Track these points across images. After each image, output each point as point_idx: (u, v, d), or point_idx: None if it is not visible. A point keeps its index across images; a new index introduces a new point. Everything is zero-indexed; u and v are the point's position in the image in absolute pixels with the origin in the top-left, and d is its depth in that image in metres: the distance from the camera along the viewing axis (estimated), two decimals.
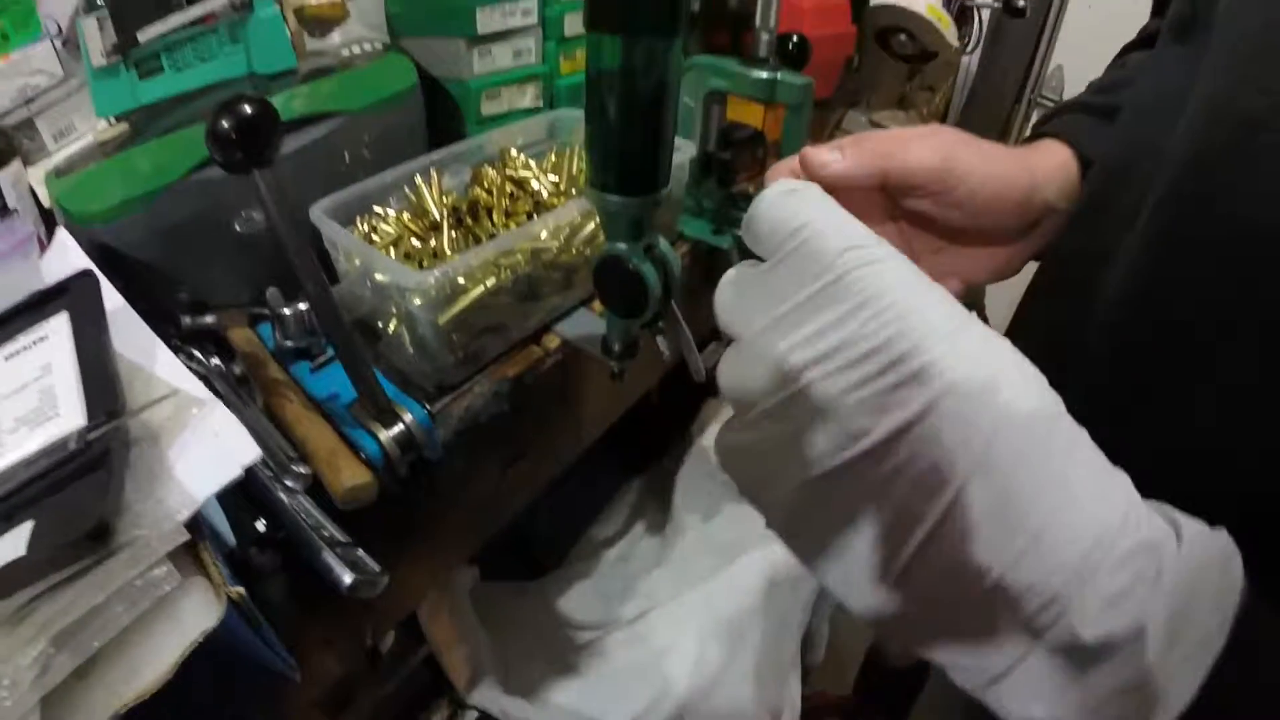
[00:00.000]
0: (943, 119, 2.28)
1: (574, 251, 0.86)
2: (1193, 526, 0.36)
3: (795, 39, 0.98)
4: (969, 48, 2.09)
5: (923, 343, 0.34)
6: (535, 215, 0.93)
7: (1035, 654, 0.34)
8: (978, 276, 0.62)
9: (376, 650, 0.92)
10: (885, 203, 0.61)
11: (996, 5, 1.96)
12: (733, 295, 0.43)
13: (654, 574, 1.35)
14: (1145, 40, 0.76)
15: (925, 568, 0.35)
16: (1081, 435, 0.36)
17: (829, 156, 0.58)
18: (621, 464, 1.61)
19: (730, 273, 0.44)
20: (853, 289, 0.36)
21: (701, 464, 1.51)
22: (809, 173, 0.58)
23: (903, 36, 1.77)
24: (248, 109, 0.59)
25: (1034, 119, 2.43)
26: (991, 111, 2.55)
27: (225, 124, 0.59)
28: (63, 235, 0.79)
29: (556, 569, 1.43)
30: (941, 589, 0.35)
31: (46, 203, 0.96)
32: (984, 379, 0.34)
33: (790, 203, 0.41)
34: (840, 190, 0.46)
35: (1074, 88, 2.54)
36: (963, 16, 1.99)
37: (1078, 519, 0.34)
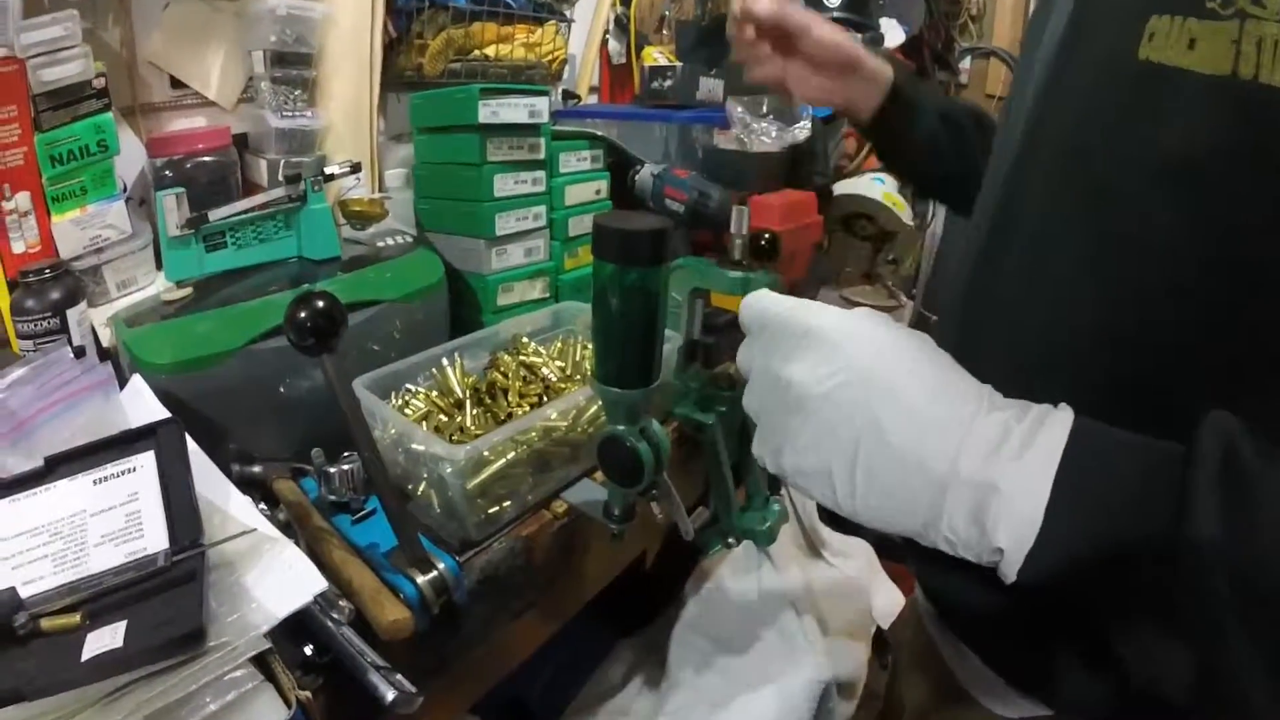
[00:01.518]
0: (913, 285, 2.44)
1: (580, 430, 0.99)
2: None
3: (767, 236, 1.12)
4: (927, 223, 2.25)
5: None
6: (545, 397, 1.05)
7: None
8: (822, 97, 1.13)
9: None
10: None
11: None
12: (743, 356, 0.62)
13: None
14: None
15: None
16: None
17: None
18: (618, 625, 1.67)
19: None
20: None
21: (693, 622, 1.55)
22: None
23: (864, 220, 1.93)
24: (321, 304, 0.71)
25: None
26: (956, 272, 2.68)
27: (303, 314, 0.71)
28: (138, 381, 0.91)
29: None
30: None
31: (105, 343, 1.07)
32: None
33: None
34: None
35: None
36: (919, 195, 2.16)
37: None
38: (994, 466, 0.48)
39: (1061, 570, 0.47)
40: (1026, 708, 0.71)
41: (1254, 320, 0.52)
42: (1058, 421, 0.49)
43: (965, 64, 2.93)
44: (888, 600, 1.85)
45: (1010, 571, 0.48)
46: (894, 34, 2.42)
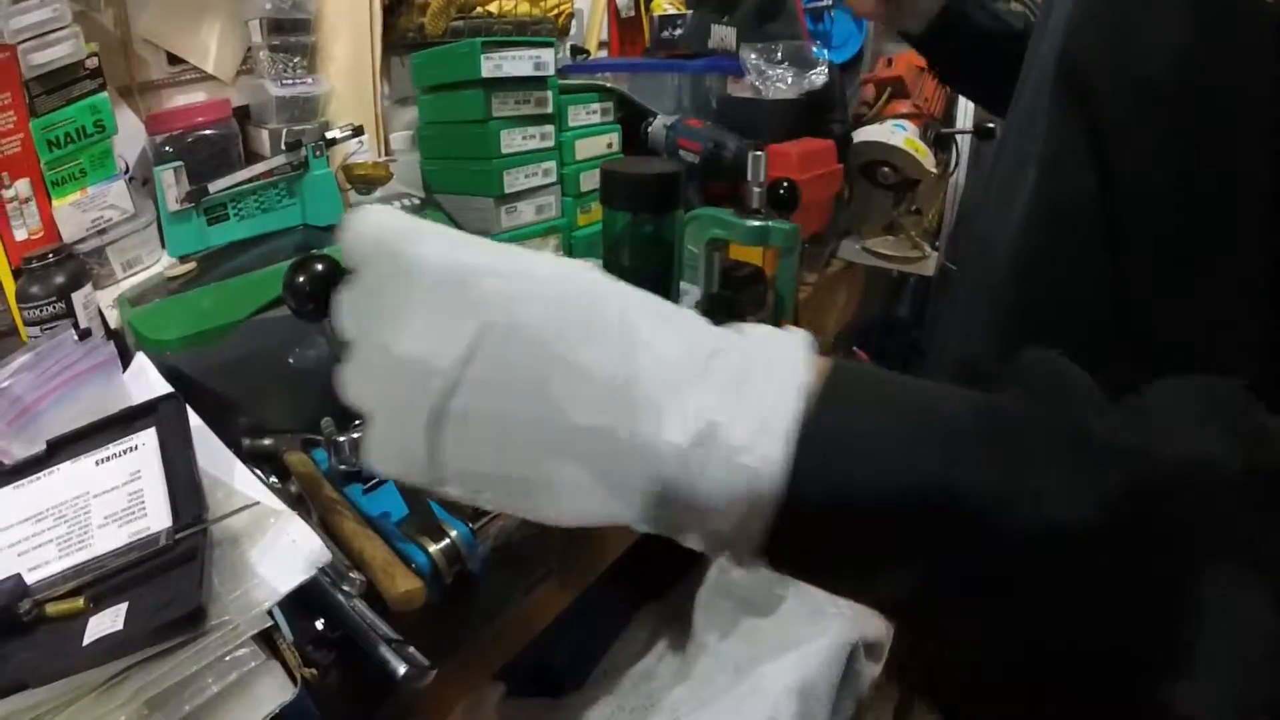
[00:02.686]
0: (936, 235, 2.40)
1: None
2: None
3: (785, 184, 1.09)
4: (950, 171, 2.21)
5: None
6: None
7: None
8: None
9: None
10: None
11: (969, 131, 2.11)
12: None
13: (676, 691, 1.37)
14: None
15: None
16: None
17: None
18: (642, 590, 1.65)
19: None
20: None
21: (717, 585, 1.54)
22: None
23: (885, 169, 1.88)
24: (319, 267, 0.68)
25: None
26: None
27: (300, 279, 0.68)
28: (142, 359, 0.89)
29: (579, 689, 1.47)
30: None
31: (113, 324, 1.06)
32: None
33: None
34: None
35: None
36: (943, 142, 2.13)
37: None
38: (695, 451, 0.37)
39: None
40: None
41: None
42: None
43: None
44: None
45: (745, 556, 0.41)
46: None
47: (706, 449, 0.36)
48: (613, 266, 0.67)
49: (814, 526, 0.38)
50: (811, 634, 1.42)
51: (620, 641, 1.56)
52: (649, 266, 0.66)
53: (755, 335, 0.41)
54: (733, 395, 0.37)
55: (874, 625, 1.53)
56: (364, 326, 0.43)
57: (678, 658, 1.50)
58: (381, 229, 0.42)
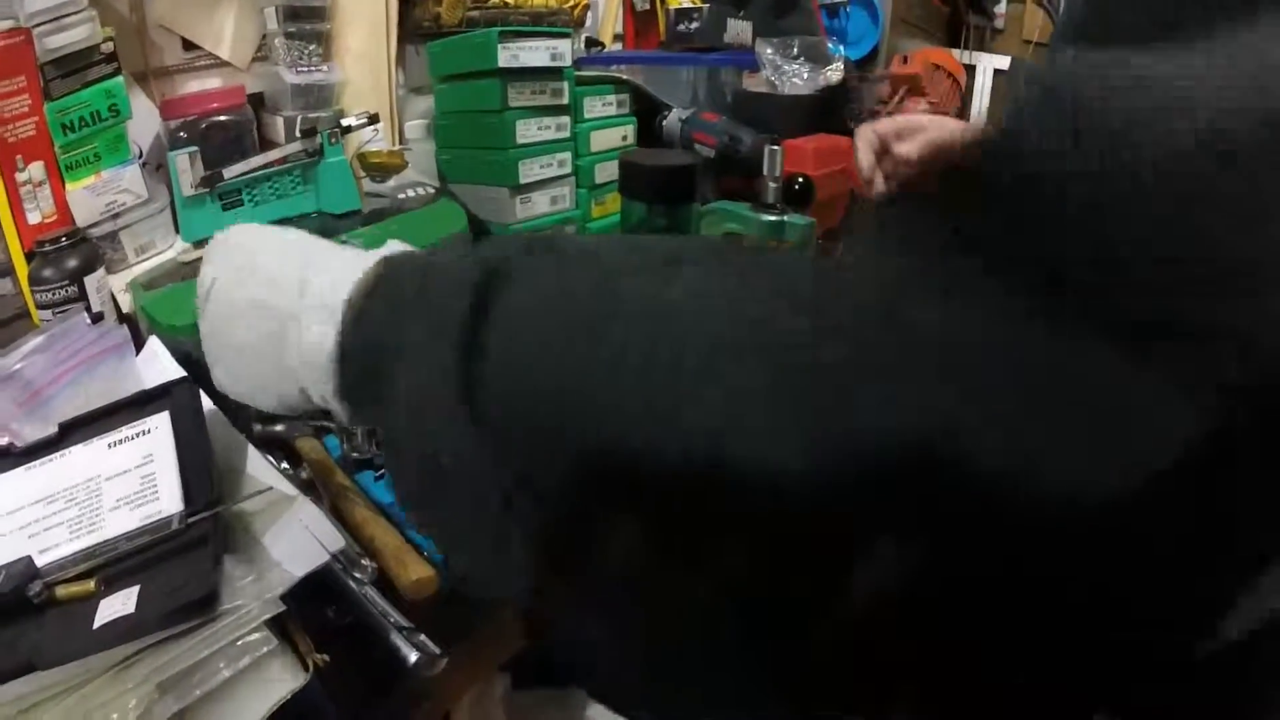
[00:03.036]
0: None
1: None
2: None
3: (800, 180, 1.08)
4: None
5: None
6: None
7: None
8: None
9: None
10: None
11: None
12: None
13: None
14: None
15: None
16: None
17: (907, 150, 1.11)
18: None
19: None
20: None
21: None
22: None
23: None
24: None
25: None
26: None
27: None
28: (155, 343, 0.88)
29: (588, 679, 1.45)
30: None
31: (125, 308, 1.05)
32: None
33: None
34: None
35: None
36: None
37: None
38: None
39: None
40: None
41: None
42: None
43: (1001, 8, 2.84)
44: None
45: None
46: None
47: (310, 317, 0.50)
48: None
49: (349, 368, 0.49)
50: None
51: None
52: None
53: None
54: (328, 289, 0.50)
55: None
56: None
57: None
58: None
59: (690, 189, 0.65)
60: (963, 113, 2.45)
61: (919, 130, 1.13)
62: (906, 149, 1.08)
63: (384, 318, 0.48)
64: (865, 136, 1.19)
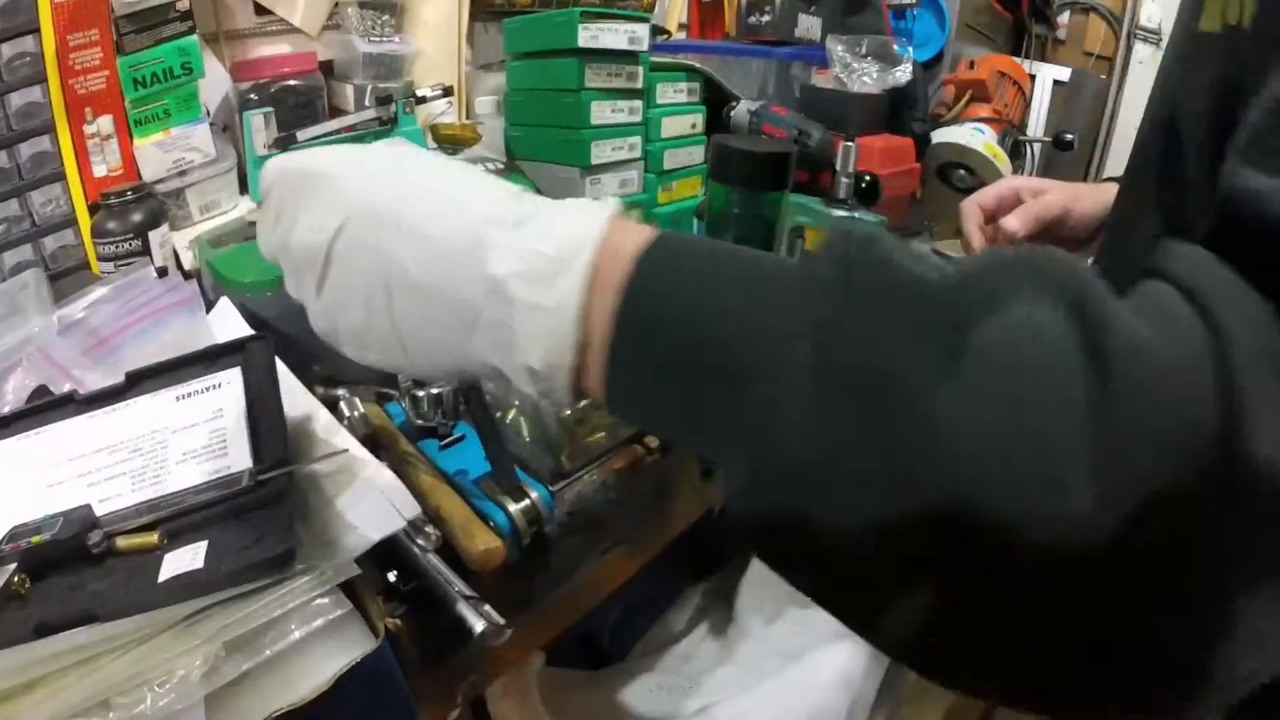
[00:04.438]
0: None
1: None
2: None
3: (867, 178, 1.06)
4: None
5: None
6: None
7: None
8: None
9: None
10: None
11: (1047, 140, 2.06)
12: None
13: (718, 672, 1.35)
14: None
15: None
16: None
17: (1014, 225, 0.99)
18: (688, 569, 1.63)
19: None
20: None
21: (764, 570, 1.52)
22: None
23: (962, 171, 1.85)
24: None
25: None
26: None
27: None
28: (225, 302, 0.88)
29: (620, 662, 1.46)
30: None
31: (187, 266, 1.05)
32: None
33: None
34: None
35: None
36: (1016, 149, 2.10)
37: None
38: (515, 284, 0.42)
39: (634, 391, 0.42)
40: None
41: None
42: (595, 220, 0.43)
43: (1064, 18, 2.81)
44: None
45: (564, 397, 0.44)
46: None
47: (517, 284, 0.41)
48: (716, 238, 0.64)
49: (626, 361, 0.41)
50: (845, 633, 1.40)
51: (664, 618, 1.54)
52: (751, 244, 0.63)
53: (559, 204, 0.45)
54: (540, 243, 0.42)
55: None
56: (273, 239, 0.51)
57: (720, 640, 1.48)
58: (276, 163, 0.51)
59: (784, 177, 0.63)
60: (1024, 121, 2.42)
61: (1013, 197, 1.07)
62: (1012, 225, 1.01)
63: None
64: (970, 214, 1.11)
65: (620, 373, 0.41)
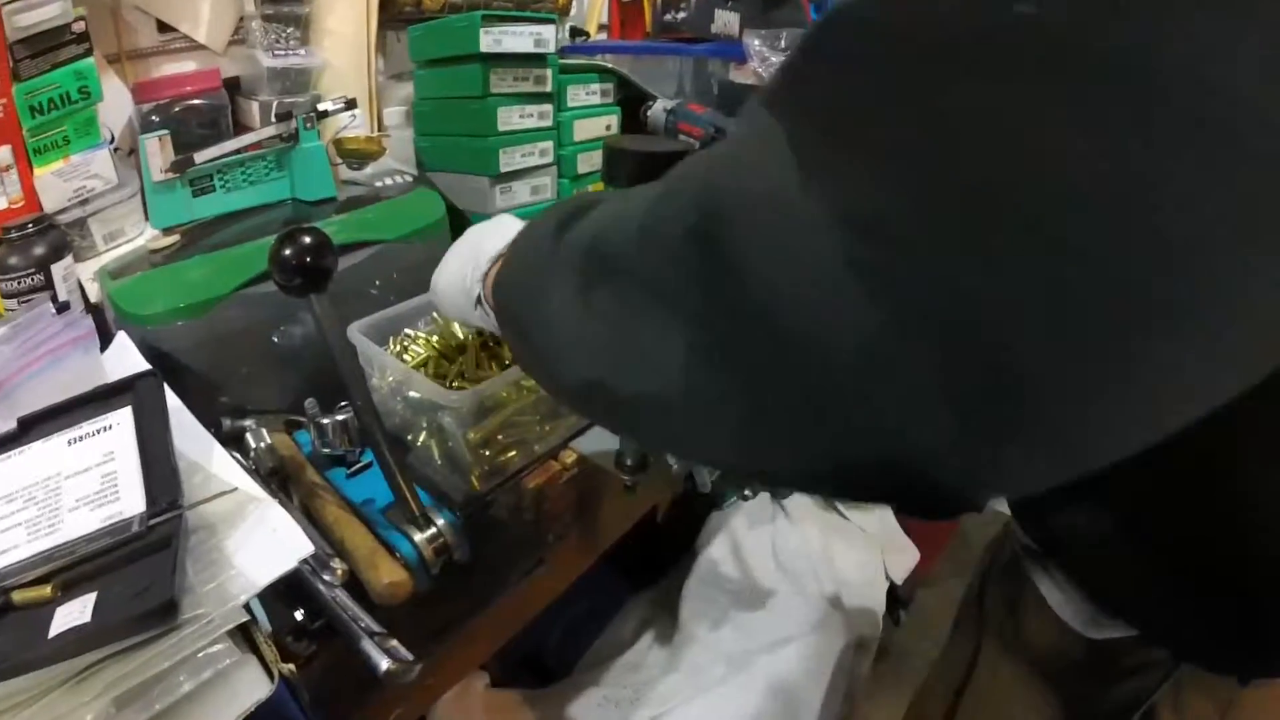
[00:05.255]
0: None
1: None
2: None
3: None
4: None
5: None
6: None
7: None
8: None
9: None
10: None
11: None
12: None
13: (665, 681, 1.35)
14: None
15: None
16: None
17: None
18: (629, 579, 1.63)
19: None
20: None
21: (707, 576, 1.52)
22: None
23: None
24: (308, 239, 0.66)
25: None
26: None
27: (288, 251, 0.65)
28: (123, 337, 0.85)
29: (566, 677, 1.45)
30: None
31: (93, 298, 1.02)
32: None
33: None
34: None
35: None
36: None
37: None
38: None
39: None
40: (1112, 630, 0.71)
41: None
42: None
43: None
44: (902, 555, 1.82)
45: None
46: None
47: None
48: None
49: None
50: (807, 630, 1.41)
51: (607, 630, 1.54)
52: None
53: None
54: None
55: (868, 623, 1.52)
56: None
57: (666, 649, 1.47)
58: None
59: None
60: None
61: None
62: None
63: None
64: None
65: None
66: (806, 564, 1.54)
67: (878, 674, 1.56)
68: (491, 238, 0.70)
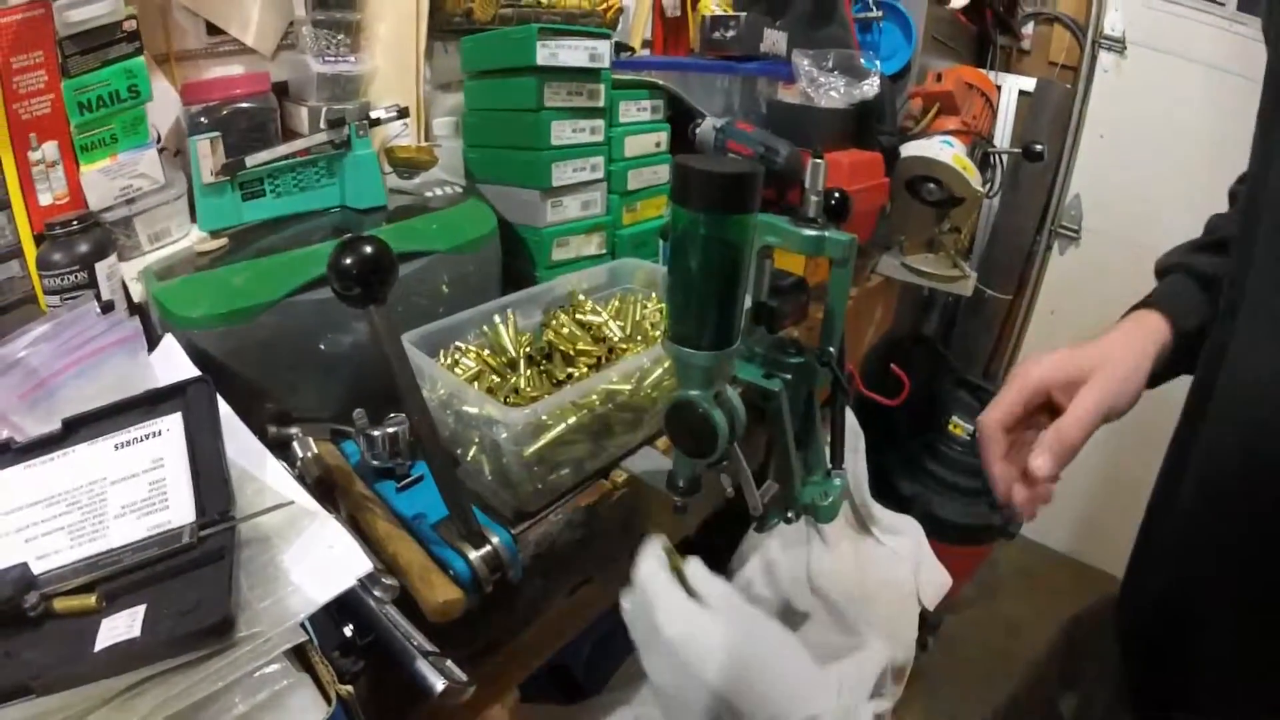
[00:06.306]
0: (967, 255, 2.38)
1: (644, 394, 0.91)
2: None
3: (837, 194, 1.03)
4: (993, 191, 2.18)
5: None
6: (605, 359, 0.98)
7: None
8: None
9: None
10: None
11: (1016, 151, 2.06)
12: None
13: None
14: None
15: None
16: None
17: (1045, 467, 0.74)
18: None
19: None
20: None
21: (743, 595, 1.50)
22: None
23: (931, 184, 1.84)
24: (369, 249, 0.64)
25: (1054, 249, 2.66)
26: (1014, 244, 2.68)
27: (348, 260, 0.63)
28: (170, 340, 0.84)
29: (596, 694, 1.42)
30: None
31: (137, 298, 1.01)
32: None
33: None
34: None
35: (1092, 214, 2.65)
36: (985, 162, 2.09)
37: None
38: None
39: None
40: None
41: None
42: None
43: (1028, 29, 2.81)
44: (934, 580, 1.79)
45: None
46: None
47: None
48: (680, 269, 0.62)
49: None
50: (839, 651, 1.38)
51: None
52: (718, 270, 0.61)
53: None
54: None
55: (903, 648, 1.49)
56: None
57: None
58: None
59: (751, 200, 0.60)
60: (992, 132, 2.42)
61: (1042, 398, 0.80)
62: (1043, 468, 0.73)
63: None
64: (991, 442, 0.79)
65: None
66: (841, 587, 1.52)
67: (906, 698, 1.54)
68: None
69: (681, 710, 0.71)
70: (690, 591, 0.75)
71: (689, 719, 0.71)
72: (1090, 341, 0.80)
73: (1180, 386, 0.81)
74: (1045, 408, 0.79)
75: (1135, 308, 0.86)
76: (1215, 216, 0.90)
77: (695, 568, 0.77)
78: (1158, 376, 0.81)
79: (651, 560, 0.77)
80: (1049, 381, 0.77)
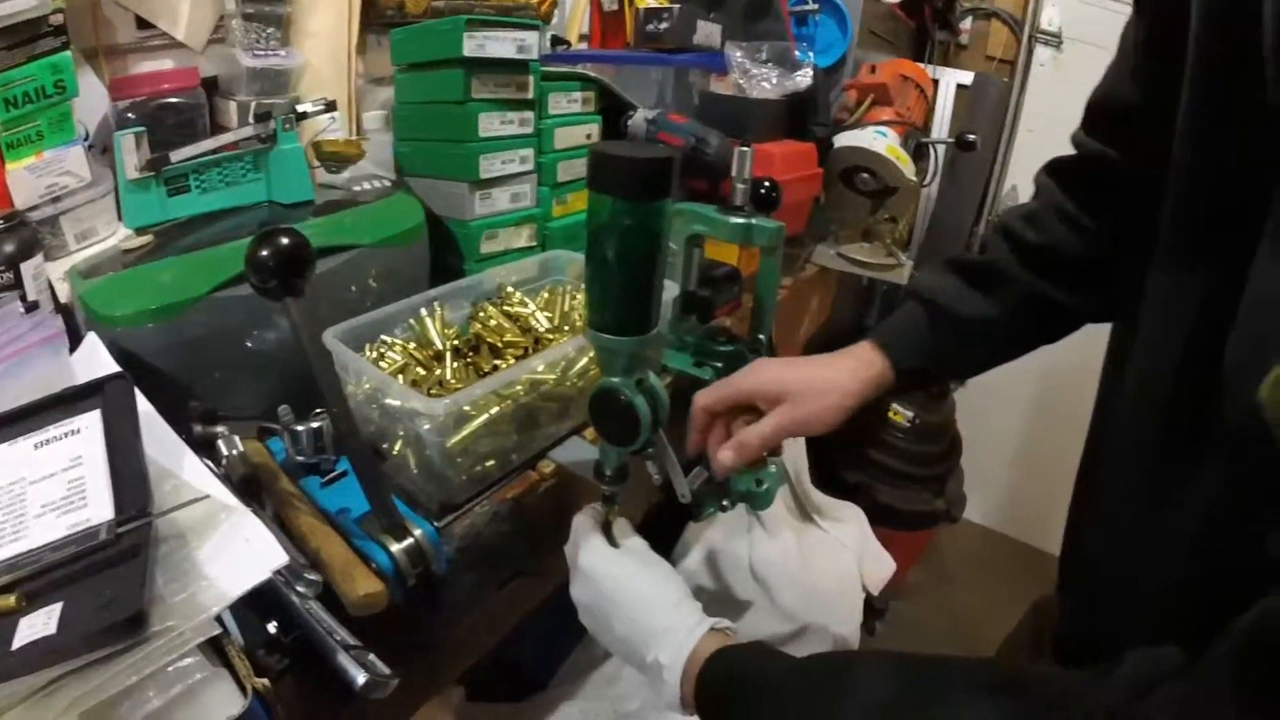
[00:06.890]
0: (906, 245, 2.41)
1: (569, 383, 0.92)
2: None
3: (767, 184, 1.05)
4: (927, 180, 2.21)
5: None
6: (531, 350, 0.98)
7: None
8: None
9: None
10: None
11: (949, 141, 2.09)
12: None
13: (642, 694, 1.34)
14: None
15: None
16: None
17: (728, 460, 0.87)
18: None
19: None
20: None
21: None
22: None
23: (865, 175, 1.86)
24: (285, 241, 0.64)
25: None
26: (952, 233, 2.69)
27: (264, 253, 0.64)
28: (93, 338, 0.83)
29: (542, 690, 1.43)
30: None
31: (63, 298, 0.99)
32: None
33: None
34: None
35: None
36: (920, 152, 2.13)
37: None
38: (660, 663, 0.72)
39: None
40: None
41: None
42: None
43: (966, 24, 2.86)
44: (878, 565, 1.81)
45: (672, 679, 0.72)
46: None
47: (660, 665, 0.72)
48: (597, 255, 0.63)
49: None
50: (781, 639, 1.40)
51: (586, 641, 1.52)
52: (635, 257, 0.62)
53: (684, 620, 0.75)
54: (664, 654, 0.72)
55: (845, 633, 1.51)
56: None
57: None
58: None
59: (666, 185, 0.61)
60: (928, 124, 2.45)
61: (745, 404, 0.91)
62: (725, 458, 0.86)
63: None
64: (696, 415, 0.92)
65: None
66: (783, 574, 1.53)
67: None
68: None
69: (598, 631, 0.80)
70: (612, 541, 0.81)
71: (603, 636, 0.79)
72: (811, 362, 0.93)
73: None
74: (751, 407, 0.90)
75: (870, 337, 0.99)
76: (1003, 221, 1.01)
77: (621, 523, 0.82)
78: (926, 379, 0.99)
79: (588, 510, 0.82)
80: (756, 394, 0.88)
